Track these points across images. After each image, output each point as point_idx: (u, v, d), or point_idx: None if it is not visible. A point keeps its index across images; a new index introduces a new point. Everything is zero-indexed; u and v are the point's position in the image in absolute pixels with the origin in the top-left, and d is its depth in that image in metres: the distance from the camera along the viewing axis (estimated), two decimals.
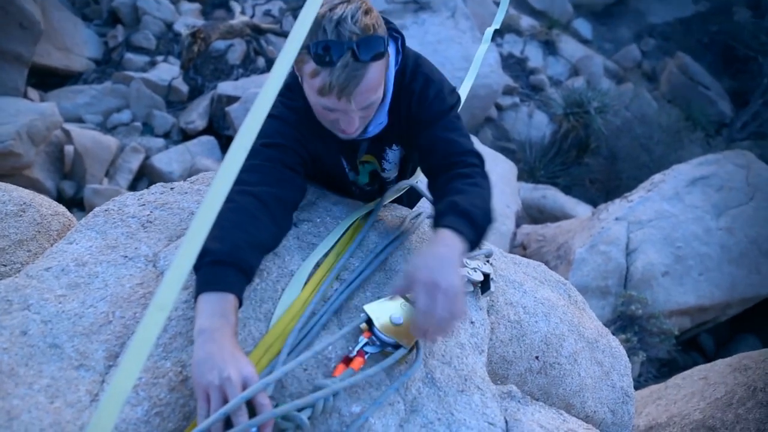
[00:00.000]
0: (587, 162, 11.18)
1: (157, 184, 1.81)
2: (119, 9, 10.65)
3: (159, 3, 10.88)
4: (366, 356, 1.34)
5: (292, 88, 1.64)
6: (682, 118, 12.04)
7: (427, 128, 1.63)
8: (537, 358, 1.85)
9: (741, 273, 5.53)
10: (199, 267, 1.29)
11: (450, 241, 1.35)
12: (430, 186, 1.65)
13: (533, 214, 8.55)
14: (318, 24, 1.35)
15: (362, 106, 1.47)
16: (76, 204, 7.47)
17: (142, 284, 1.44)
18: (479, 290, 1.74)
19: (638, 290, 5.31)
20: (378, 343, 1.35)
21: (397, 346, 1.35)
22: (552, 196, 8.88)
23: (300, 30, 1.13)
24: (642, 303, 5.19)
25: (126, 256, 1.51)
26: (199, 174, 1.93)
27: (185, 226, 1.64)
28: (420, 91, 1.64)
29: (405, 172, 1.96)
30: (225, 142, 8.92)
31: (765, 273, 5.60)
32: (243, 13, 11.25)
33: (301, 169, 1.61)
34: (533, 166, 10.83)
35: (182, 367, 1.28)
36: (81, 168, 7.72)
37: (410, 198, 2.20)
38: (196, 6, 11.86)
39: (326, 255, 1.61)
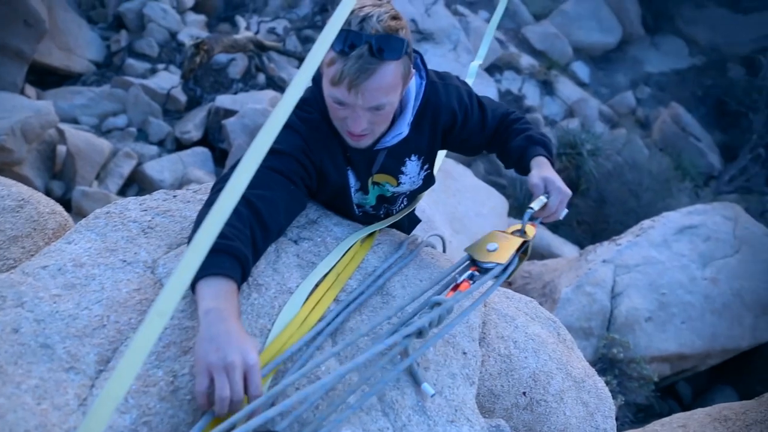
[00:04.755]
0: (576, 203, 11.24)
1: (160, 190, 1.80)
2: (125, 14, 10.67)
3: (165, 12, 10.91)
4: (471, 281, 1.58)
5: (308, 101, 1.66)
6: (672, 167, 12.17)
7: (483, 123, 1.92)
8: (524, 393, 1.84)
9: (723, 324, 5.56)
10: None
11: (547, 164, 1.83)
12: (494, 144, 1.99)
13: None
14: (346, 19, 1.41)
15: (370, 104, 1.49)
16: (63, 205, 7.35)
17: (139, 290, 1.42)
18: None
19: (621, 334, 5.32)
20: (478, 270, 1.63)
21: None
22: (539, 234, 8.90)
23: (326, 37, 1.15)
24: (624, 347, 5.19)
25: (125, 261, 1.49)
26: (203, 184, 1.93)
27: (186, 234, 1.63)
28: (458, 106, 1.83)
29: (417, 193, 1.98)
30: (219, 155, 8.89)
31: (746, 326, 5.62)
32: (248, 28, 11.31)
33: (299, 180, 1.61)
34: (522, 203, 10.87)
35: (174, 377, 1.27)
36: (71, 169, 7.66)
37: (410, 223, 2.22)
38: (202, 18, 11.90)
39: (325, 275, 1.61)
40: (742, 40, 16.54)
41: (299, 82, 1.10)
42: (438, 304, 1.48)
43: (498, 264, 1.61)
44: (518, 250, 1.67)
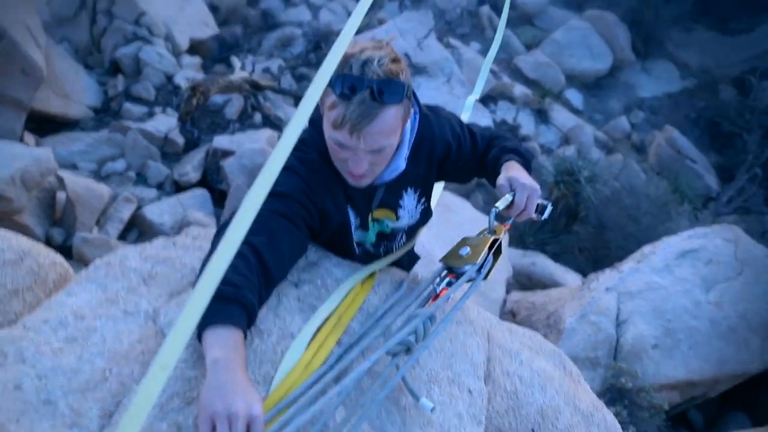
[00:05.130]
0: (576, 230, 11.22)
1: (159, 238, 1.80)
2: (121, 59, 10.82)
3: (161, 55, 11.06)
4: (449, 288, 1.65)
5: (306, 142, 1.68)
6: (669, 190, 12.17)
7: (475, 149, 1.96)
8: (533, 430, 1.82)
9: (730, 349, 5.48)
10: None
11: (517, 165, 1.82)
12: (482, 167, 2.00)
13: (522, 281, 8.54)
14: (346, 61, 1.43)
15: (372, 148, 1.50)
16: (64, 252, 7.38)
17: (141, 341, 1.42)
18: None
19: (628, 362, 5.24)
20: (455, 277, 1.69)
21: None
22: (541, 263, 8.89)
23: (322, 77, 1.15)
24: (632, 376, 5.11)
25: (126, 311, 1.49)
26: (203, 229, 1.93)
27: (187, 282, 1.63)
28: (452, 137, 1.87)
29: (417, 228, 1.99)
30: (218, 196, 8.92)
31: (754, 349, 5.55)
32: (243, 69, 11.45)
33: (301, 222, 1.61)
34: (522, 233, 10.86)
35: (178, 429, 1.25)
36: (71, 216, 7.66)
37: (410, 261, 2.22)
38: (197, 60, 12.06)
39: (327, 319, 1.60)
40: (731, 61, 16.76)
41: (296, 123, 1.10)
42: (416, 316, 1.51)
43: (472, 265, 1.66)
44: (491, 249, 1.72)
